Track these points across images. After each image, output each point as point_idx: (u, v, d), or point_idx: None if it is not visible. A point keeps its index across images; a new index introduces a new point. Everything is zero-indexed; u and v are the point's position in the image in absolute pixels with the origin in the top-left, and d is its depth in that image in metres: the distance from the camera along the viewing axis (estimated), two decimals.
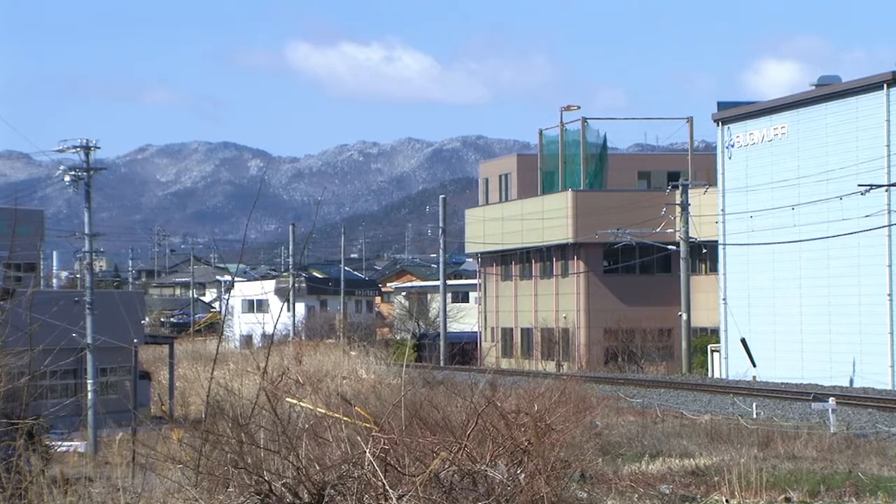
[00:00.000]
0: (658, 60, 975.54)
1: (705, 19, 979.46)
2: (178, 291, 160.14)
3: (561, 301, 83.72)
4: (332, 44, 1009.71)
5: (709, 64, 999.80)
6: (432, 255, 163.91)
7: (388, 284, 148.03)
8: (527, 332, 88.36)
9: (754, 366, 62.04)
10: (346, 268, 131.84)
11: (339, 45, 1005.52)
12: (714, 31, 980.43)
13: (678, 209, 69.62)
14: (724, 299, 65.96)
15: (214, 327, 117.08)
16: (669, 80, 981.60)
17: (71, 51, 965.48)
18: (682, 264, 69.05)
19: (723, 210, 66.00)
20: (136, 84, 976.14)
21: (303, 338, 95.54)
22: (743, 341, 63.28)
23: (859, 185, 53.65)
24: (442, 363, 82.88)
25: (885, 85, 55.25)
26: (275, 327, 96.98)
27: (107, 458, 29.92)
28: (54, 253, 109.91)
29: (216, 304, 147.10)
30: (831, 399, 36.93)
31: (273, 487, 12.97)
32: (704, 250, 73.95)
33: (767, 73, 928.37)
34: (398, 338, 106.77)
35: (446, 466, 13.79)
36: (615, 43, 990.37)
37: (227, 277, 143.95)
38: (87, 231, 53.84)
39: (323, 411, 18.27)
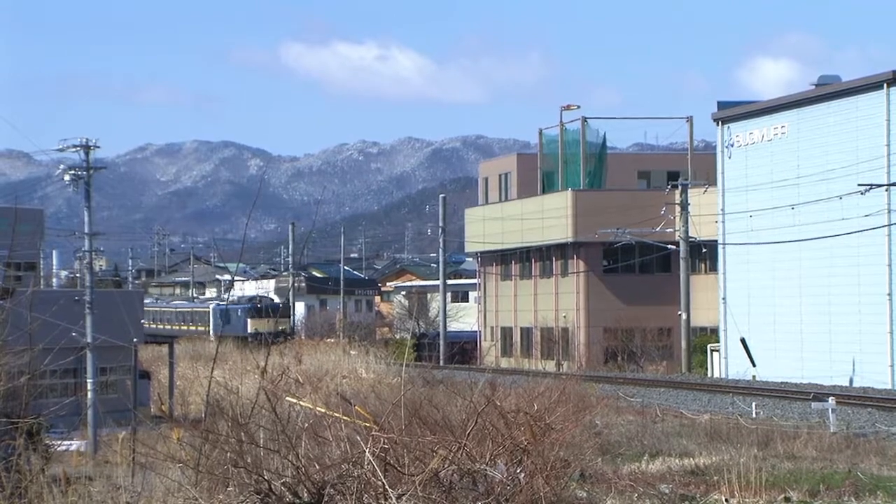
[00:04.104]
0: (651, 59, 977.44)
1: (697, 17, 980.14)
2: (177, 291, 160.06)
3: (561, 300, 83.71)
4: (326, 42, 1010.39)
5: (702, 62, 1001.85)
6: (432, 255, 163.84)
7: (387, 284, 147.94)
8: (526, 332, 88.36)
9: (754, 365, 62.03)
10: (346, 267, 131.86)
11: (334, 43, 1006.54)
12: (706, 30, 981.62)
13: (678, 209, 69.62)
14: (723, 299, 65.96)
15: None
16: (663, 78, 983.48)
17: (68, 50, 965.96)
18: (682, 264, 69.05)
19: (722, 209, 65.99)
20: (134, 83, 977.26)
21: (303, 337, 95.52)
22: (742, 341, 63.28)
23: (859, 185, 53.66)
24: (441, 362, 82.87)
25: (885, 84, 55.26)
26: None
27: (107, 457, 29.94)
28: (54, 252, 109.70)
29: None
30: (831, 398, 36.93)
31: (273, 486, 12.98)
32: (704, 250, 73.94)
33: (761, 72, 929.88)
34: (398, 337, 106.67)
35: (446, 466, 13.79)
36: (608, 42, 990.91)
37: (227, 277, 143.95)
38: (86, 230, 53.86)
39: (322, 410, 18.29)
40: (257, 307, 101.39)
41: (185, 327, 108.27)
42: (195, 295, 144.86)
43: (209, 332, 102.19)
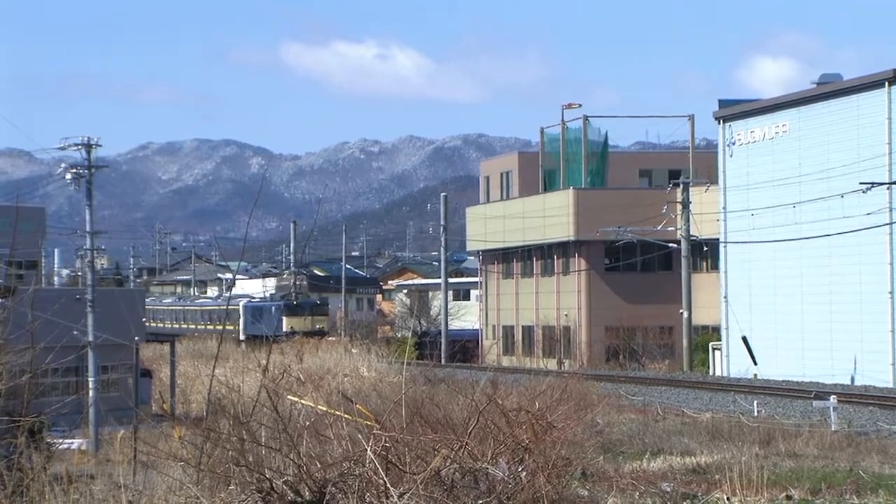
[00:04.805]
0: (650, 58, 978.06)
1: (697, 18, 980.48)
2: (179, 289, 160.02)
3: (562, 299, 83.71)
4: (326, 41, 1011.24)
5: (702, 62, 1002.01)
6: (434, 253, 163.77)
7: (389, 282, 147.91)
8: (528, 330, 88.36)
9: (755, 363, 62.02)
10: (348, 265, 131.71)
11: (334, 42, 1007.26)
12: (706, 30, 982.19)
13: (679, 207, 69.60)
14: (725, 297, 65.94)
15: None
16: (663, 78, 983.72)
17: (68, 50, 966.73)
18: (684, 262, 69.03)
19: (724, 208, 65.97)
20: (134, 83, 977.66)
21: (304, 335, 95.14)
22: (744, 339, 63.27)
23: (861, 183, 53.65)
24: (443, 361, 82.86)
25: (886, 83, 55.24)
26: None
27: (108, 455, 29.96)
28: (56, 250, 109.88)
29: None
30: (832, 397, 36.94)
31: (274, 485, 12.98)
32: (706, 248, 73.89)
33: (761, 71, 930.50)
34: (399, 335, 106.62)
35: (447, 464, 13.79)
36: (608, 42, 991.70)
37: (229, 275, 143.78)
38: (88, 229, 53.89)
39: (324, 409, 18.29)
40: (294, 304, 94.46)
41: (210, 326, 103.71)
42: (197, 294, 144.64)
43: (239, 331, 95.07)
